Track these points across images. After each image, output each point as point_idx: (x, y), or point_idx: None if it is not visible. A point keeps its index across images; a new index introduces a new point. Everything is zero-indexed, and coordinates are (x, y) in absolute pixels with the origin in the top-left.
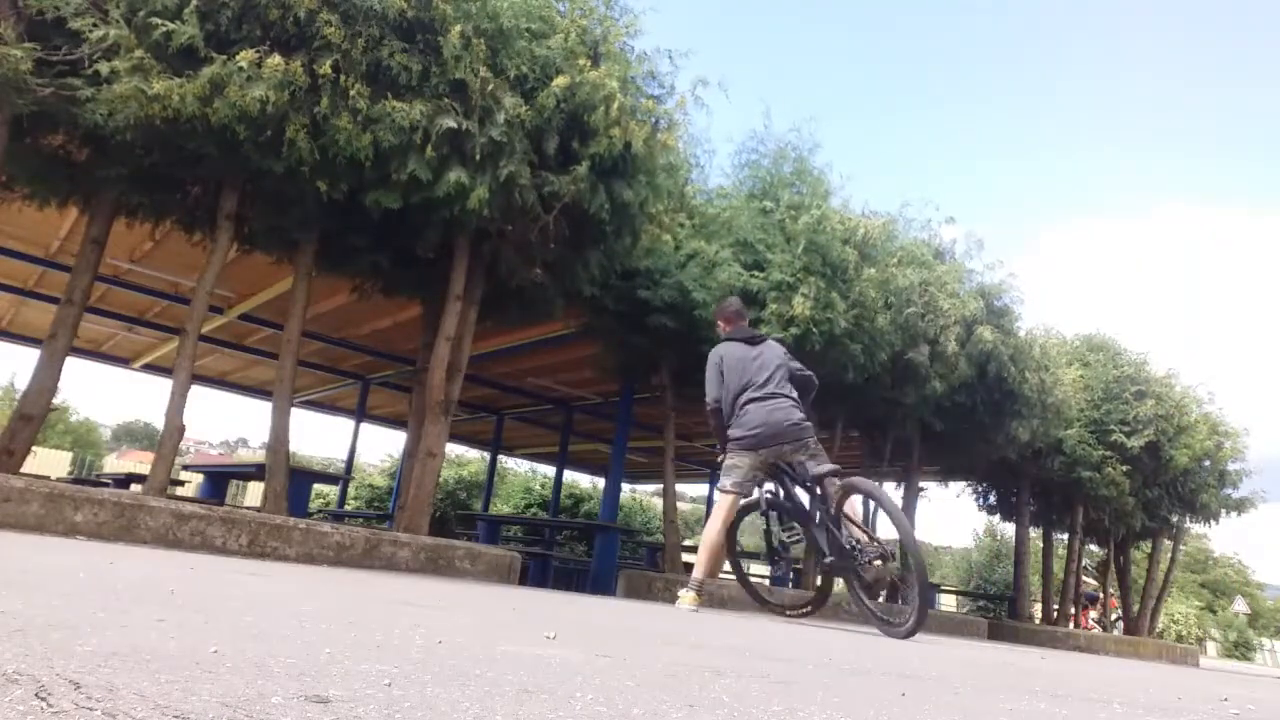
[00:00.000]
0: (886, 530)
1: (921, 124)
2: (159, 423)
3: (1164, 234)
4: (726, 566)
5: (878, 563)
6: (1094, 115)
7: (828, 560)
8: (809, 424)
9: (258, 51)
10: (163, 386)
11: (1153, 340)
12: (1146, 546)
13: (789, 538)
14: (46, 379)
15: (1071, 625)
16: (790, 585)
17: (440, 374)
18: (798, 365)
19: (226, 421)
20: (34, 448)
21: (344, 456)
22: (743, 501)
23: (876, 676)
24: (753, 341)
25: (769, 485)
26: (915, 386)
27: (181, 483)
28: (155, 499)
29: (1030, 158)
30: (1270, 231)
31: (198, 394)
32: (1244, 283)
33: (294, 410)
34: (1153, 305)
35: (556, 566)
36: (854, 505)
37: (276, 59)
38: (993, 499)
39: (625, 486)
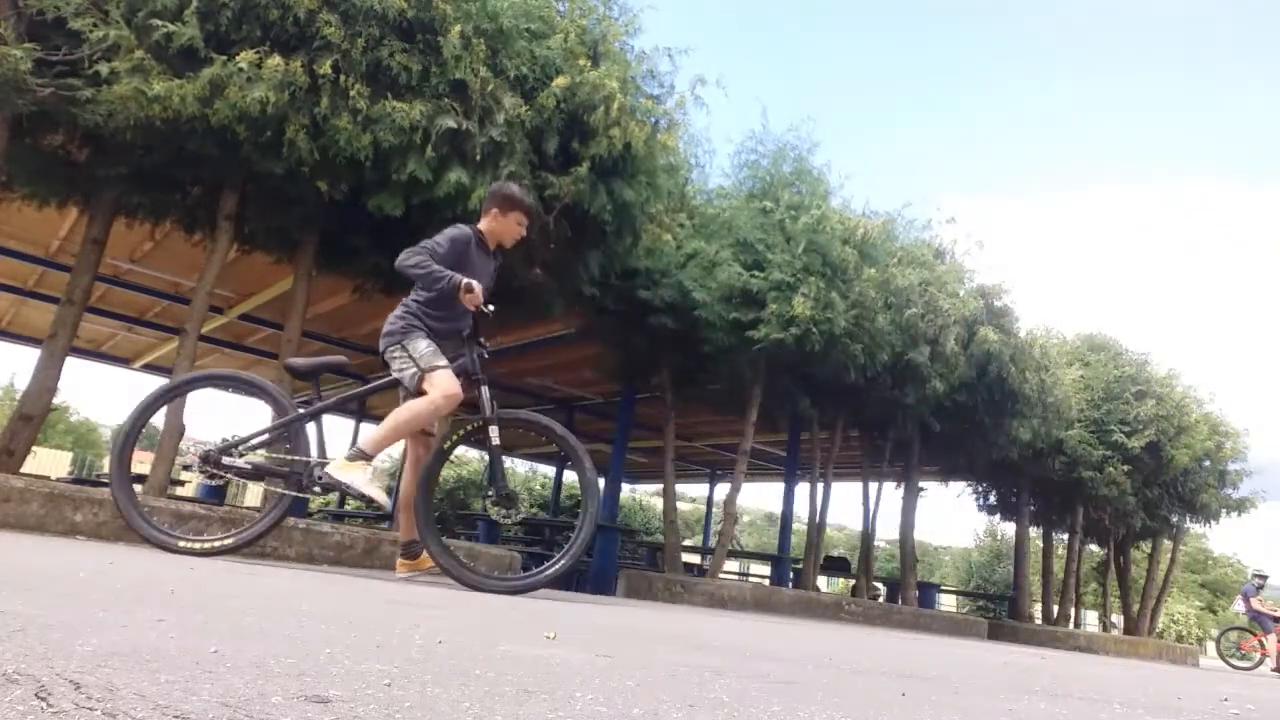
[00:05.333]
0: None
1: (923, 122)
2: (159, 423)
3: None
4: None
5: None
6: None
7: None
8: (386, 329)
9: (258, 52)
10: None
11: (1154, 314)
12: (1146, 546)
13: None
14: (46, 379)
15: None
16: (791, 585)
17: None
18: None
19: (226, 421)
20: (34, 448)
21: None
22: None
23: (876, 676)
24: None
25: None
26: (915, 386)
27: (182, 483)
28: (155, 499)
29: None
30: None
31: (198, 394)
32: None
33: None
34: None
35: None
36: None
37: (276, 59)
38: (993, 499)
39: (625, 486)
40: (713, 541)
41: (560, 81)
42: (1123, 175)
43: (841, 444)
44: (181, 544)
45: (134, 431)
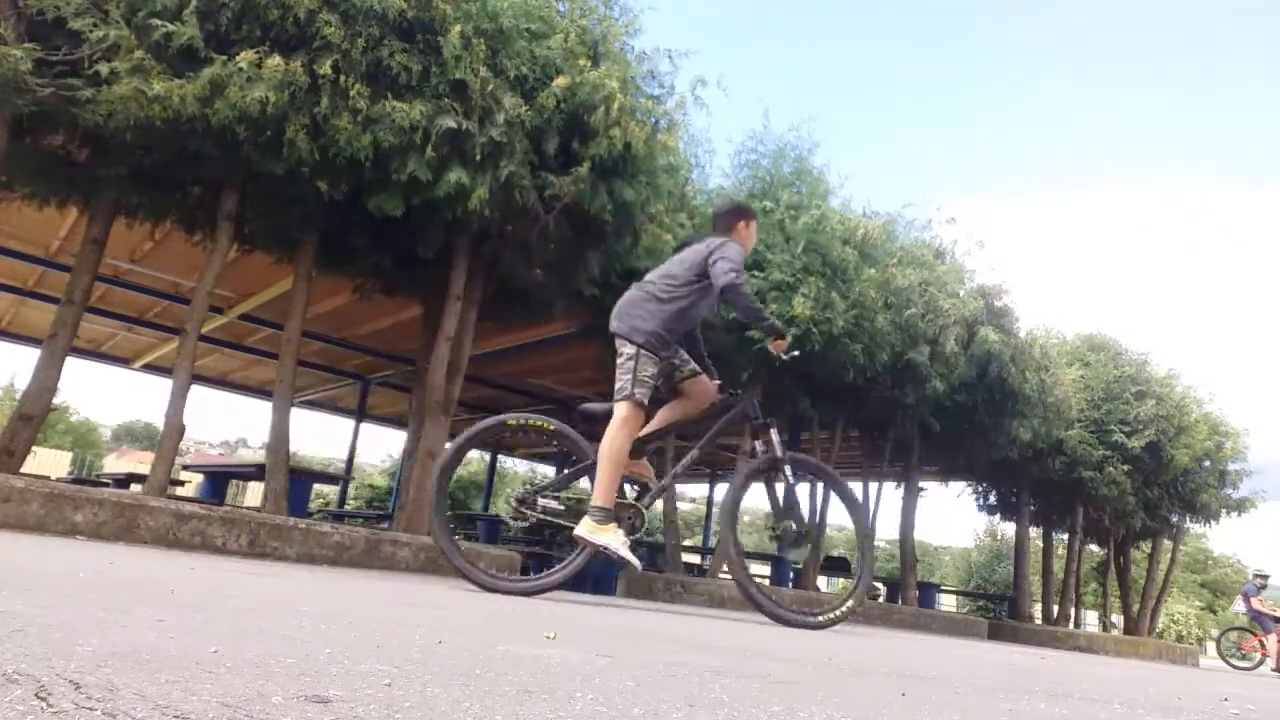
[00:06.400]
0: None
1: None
2: (159, 423)
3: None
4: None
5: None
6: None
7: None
8: (633, 318)
9: (258, 52)
10: (163, 386)
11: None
12: (1146, 546)
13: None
14: (46, 379)
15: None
16: (791, 585)
17: (440, 374)
18: (712, 255)
19: (226, 421)
20: (34, 448)
21: (344, 456)
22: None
23: (876, 676)
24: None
25: None
26: (915, 386)
27: (181, 483)
28: (155, 499)
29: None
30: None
31: (198, 394)
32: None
33: (294, 410)
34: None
35: None
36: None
37: (276, 59)
38: (993, 499)
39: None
40: (713, 541)
41: (560, 81)
42: (1123, 175)
43: (841, 444)
44: (495, 581)
45: (450, 470)
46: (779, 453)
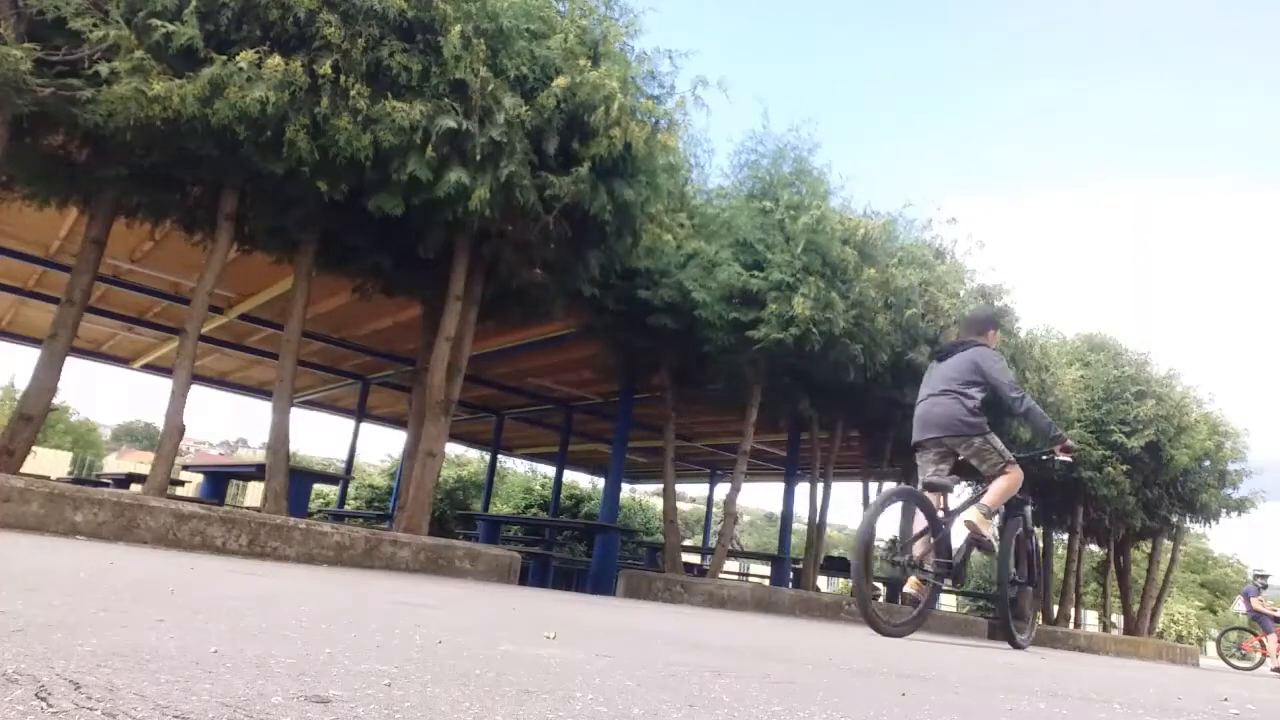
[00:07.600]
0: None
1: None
2: (159, 423)
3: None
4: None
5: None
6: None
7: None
8: (970, 420)
9: (258, 52)
10: (163, 386)
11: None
12: (1146, 546)
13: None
14: (46, 379)
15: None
16: (790, 585)
17: (440, 374)
18: (990, 372)
19: (226, 421)
20: (34, 448)
21: (344, 456)
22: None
23: (876, 676)
24: (941, 357)
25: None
26: (915, 386)
27: (181, 483)
28: (155, 499)
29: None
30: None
31: (198, 394)
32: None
33: (294, 410)
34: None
35: (556, 566)
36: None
37: (276, 59)
38: None
39: (625, 486)
40: (713, 541)
41: (560, 81)
42: (1123, 175)
43: (841, 444)
44: (888, 628)
45: (873, 538)
46: (1030, 524)
